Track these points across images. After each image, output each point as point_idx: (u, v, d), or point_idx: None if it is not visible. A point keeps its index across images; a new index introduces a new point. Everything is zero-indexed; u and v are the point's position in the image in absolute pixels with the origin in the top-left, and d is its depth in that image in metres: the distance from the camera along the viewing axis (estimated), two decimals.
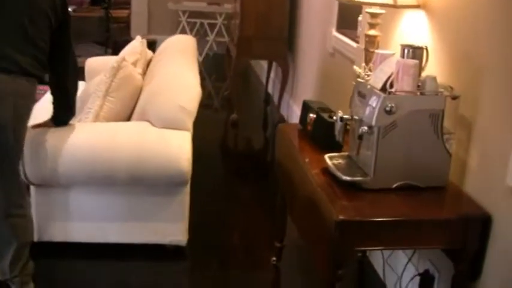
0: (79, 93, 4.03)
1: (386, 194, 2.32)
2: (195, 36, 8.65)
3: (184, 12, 8.68)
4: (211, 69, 8.24)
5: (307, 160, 2.64)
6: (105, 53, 6.58)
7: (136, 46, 4.12)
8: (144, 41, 4.20)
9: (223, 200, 4.31)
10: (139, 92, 3.58)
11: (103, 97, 3.39)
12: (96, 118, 3.37)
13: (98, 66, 4.49)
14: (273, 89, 6.68)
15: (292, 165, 2.81)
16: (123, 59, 3.49)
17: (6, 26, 2.71)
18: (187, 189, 3.35)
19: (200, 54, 8.60)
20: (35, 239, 3.25)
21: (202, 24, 8.83)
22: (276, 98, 6.15)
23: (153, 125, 3.29)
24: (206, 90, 7.32)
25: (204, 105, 6.63)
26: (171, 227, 3.39)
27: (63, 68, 3.03)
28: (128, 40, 4.22)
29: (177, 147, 3.20)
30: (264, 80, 7.03)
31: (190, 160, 3.21)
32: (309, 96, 5.03)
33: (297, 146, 2.87)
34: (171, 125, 3.26)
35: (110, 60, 3.64)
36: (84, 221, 3.35)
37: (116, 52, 4.32)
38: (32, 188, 3.27)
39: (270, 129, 5.99)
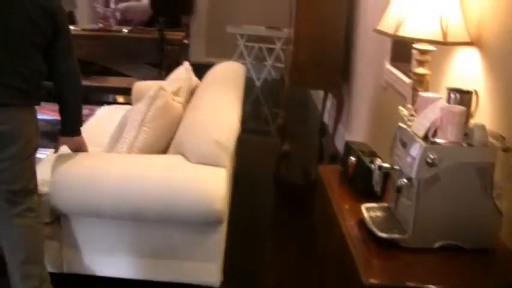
0: (120, 118, 3.93)
1: (426, 255, 2.08)
2: (253, 60, 8.61)
3: (242, 35, 8.61)
4: (269, 94, 8.11)
5: (346, 207, 2.44)
6: (159, 75, 6.53)
7: (181, 72, 3.98)
8: (189, 68, 4.05)
9: (263, 238, 4.09)
10: (178, 122, 3.42)
11: (138, 127, 3.25)
12: (131, 149, 3.23)
13: (144, 90, 4.36)
14: (328, 119, 6.44)
15: (329, 213, 2.59)
16: (161, 88, 3.33)
17: None
18: (222, 227, 3.16)
19: (258, 79, 8.49)
20: (63, 270, 3.19)
21: (260, 48, 8.73)
22: (331, 129, 5.92)
23: (187, 159, 3.11)
24: (262, 116, 7.19)
25: (260, 132, 6.54)
26: (204, 267, 3.20)
27: (60, 80, 2.96)
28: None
29: (211, 185, 3.01)
30: (320, 109, 6.82)
31: (225, 199, 3.02)
32: (362, 131, 4.80)
33: (335, 191, 2.65)
34: (206, 160, 3.07)
35: (155, 86, 3.51)
36: (113, 255, 3.21)
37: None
38: (60, 218, 3.16)
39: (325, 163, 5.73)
